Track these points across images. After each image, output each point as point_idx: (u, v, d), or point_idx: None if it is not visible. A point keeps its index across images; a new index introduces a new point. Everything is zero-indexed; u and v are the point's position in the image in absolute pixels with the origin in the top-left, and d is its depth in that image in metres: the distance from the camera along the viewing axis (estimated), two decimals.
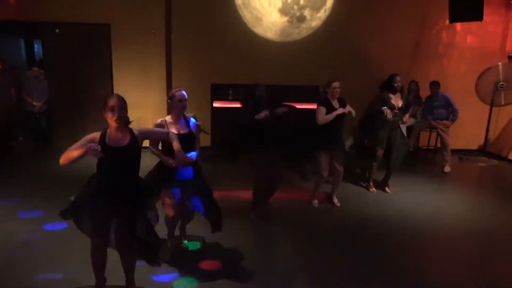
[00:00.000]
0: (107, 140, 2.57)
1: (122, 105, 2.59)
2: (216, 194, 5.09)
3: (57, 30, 7.29)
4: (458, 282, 3.20)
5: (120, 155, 2.56)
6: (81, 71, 7.42)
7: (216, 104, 7.76)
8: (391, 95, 5.04)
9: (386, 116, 4.89)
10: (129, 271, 2.85)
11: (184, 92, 3.26)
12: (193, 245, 3.67)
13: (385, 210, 4.71)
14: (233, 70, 7.58)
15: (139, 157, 2.67)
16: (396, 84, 5.02)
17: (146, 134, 2.82)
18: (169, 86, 7.57)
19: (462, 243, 3.94)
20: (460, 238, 4.02)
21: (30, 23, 7.44)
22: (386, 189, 5.44)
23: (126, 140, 2.60)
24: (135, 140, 2.62)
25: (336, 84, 4.65)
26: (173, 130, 3.15)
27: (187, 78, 7.62)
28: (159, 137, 3.13)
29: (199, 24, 7.44)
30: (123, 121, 2.57)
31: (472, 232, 4.14)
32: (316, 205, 4.74)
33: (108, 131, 2.61)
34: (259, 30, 7.56)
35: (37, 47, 10.58)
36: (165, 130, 3.11)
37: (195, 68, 7.59)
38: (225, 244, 3.73)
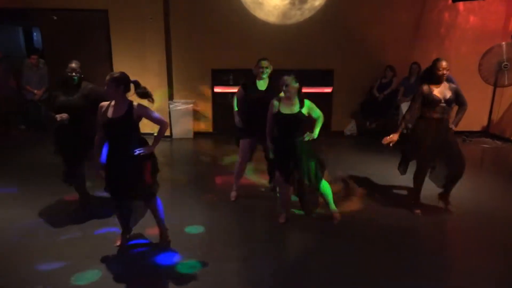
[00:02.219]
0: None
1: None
2: (218, 179, 5.15)
3: (54, 17, 7.23)
4: (455, 260, 3.23)
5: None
6: (80, 58, 7.30)
7: (217, 89, 7.72)
8: (433, 87, 3.91)
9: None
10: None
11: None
12: (196, 229, 3.70)
13: (387, 192, 4.72)
14: (234, 55, 7.52)
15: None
16: (441, 73, 3.86)
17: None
18: (169, 72, 7.53)
19: (463, 223, 3.96)
20: (462, 218, 4.04)
21: (27, 10, 7.37)
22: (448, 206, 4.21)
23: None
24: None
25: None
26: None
27: (187, 63, 7.58)
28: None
29: (198, 9, 7.35)
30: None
31: (475, 213, 4.15)
32: None
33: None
34: (260, 15, 7.47)
35: (36, 35, 10.51)
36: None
37: (195, 53, 7.53)
38: (228, 228, 3.76)
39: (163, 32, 7.28)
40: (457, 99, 3.96)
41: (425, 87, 3.91)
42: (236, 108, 4.35)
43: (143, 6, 7.11)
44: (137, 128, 3.11)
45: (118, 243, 3.34)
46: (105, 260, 3.11)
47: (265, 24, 7.51)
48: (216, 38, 7.48)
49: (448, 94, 3.88)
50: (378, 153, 6.56)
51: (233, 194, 4.45)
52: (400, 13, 7.58)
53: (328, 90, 7.80)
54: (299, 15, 7.52)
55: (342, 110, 7.91)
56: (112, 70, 7.46)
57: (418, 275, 3.00)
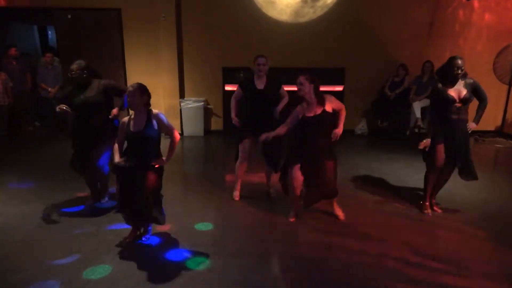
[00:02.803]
0: None
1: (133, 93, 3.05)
2: (228, 177, 5.17)
3: (69, 16, 7.34)
4: (468, 262, 3.20)
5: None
6: (93, 56, 7.45)
7: (228, 88, 7.75)
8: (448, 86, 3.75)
9: (424, 148, 3.85)
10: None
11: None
12: (205, 226, 3.74)
13: (398, 192, 4.68)
14: (245, 53, 7.52)
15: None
16: (456, 72, 3.65)
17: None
18: (180, 70, 7.59)
19: (476, 225, 3.91)
20: (475, 219, 3.99)
21: (42, 9, 7.50)
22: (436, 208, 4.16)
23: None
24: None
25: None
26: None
27: (198, 62, 7.62)
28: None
29: (210, 7, 7.39)
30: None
31: (488, 214, 4.10)
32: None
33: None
34: (273, 13, 7.47)
35: (51, 34, 10.69)
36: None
37: (206, 51, 7.57)
38: (237, 226, 3.79)
39: (175, 30, 7.34)
40: (476, 95, 3.79)
41: (440, 85, 3.80)
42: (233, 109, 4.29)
43: (156, 4, 7.17)
44: (159, 136, 3.21)
45: (128, 239, 3.40)
46: (116, 255, 3.16)
47: (277, 22, 7.51)
48: (227, 36, 7.51)
49: (463, 92, 3.69)
50: (389, 152, 6.53)
51: (236, 193, 4.41)
52: (413, 10, 7.50)
53: (339, 88, 7.76)
54: (311, 13, 7.50)
55: (353, 108, 7.86)
56: (124, 68, 7.57)
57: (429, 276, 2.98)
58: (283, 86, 4.19)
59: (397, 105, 7.38)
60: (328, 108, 3.54)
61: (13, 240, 3.40)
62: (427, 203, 4.10)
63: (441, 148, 3.82)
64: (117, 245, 3.31)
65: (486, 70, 7.06)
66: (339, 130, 3.65)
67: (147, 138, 3.09)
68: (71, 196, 4.39)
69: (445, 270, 3.04)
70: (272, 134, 3.69)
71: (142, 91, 3.06)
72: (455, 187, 4.78)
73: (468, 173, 3.89)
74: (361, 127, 7.96)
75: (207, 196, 4.52)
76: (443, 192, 4.23)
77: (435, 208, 4.12)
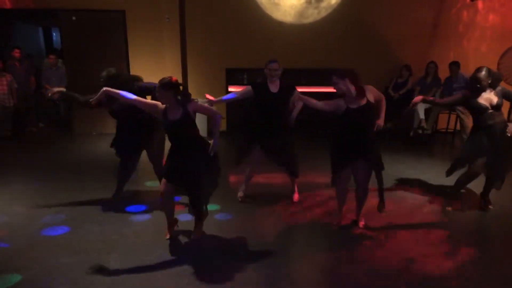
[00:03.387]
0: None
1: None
2: (232, 178, 5.17)
3: (73, 18, 7.37)
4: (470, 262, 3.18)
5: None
6: (98, 58, 7.51)
7: (231, 89, 7.75)
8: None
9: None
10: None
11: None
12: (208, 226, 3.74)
13: (402, 193, 4.67)
14: (248, 54, 7.55)
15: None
16: (478, 85, 3.78)
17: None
18: (184, 72, 7.60)
19: (480, 224, 3.90)
20: (477, 219, 3.98)
21: (47, 10, 7.54)
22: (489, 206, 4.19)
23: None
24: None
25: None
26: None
27: (202, 63, 7.64)
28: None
29: (213, 9, 7.41)
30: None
31: (490, 213, 4.09)
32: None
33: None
34: (277, 15, 7.49)
35: (55, 35, 10.76)
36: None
37: (209, 53, 7.59)
38: (241, 228, 3.79)
39: (178, 31, 7.35)
40: (509, 99, 3.95)
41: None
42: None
43: (160, 6, 7.20)
44: (195, 126, 3.33)
45: (168, 236, 3.46)
46: (121, 255, 3.17)
47: (280, 24, 7.52)
48: (231, 38, 7.53)
49: (495, 100, 3.79)
50: (392, 153, 6.50)
51: (240, 194, 4.37)
52: (417, 11, 7.49)
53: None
54: (316, 14, 7.52)
55: None
56: (128, 69, 7.60)
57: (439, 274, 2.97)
58: (297, 90, 3.97)
59: (401, 106, 7.36)
60: (371, 98, 3.48)
61: (17, 240, 3.42)
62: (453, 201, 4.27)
63: (476, 155, 3.94)
64: (122, 244, 3.32)
65: None
66: (381, 120, 3.64)
67: (184, 127, 3.19)
68: (75, 196, 4.40)
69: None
70: (307, 100, 3.46)
71: (166, 87, 3.10)
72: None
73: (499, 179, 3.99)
74: None
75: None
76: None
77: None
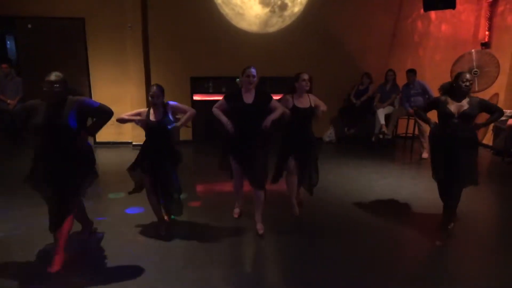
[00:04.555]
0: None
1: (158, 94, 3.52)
2: (199, 187, 5.12)
3: (29, 25, 7.09)
4: (433, 265, 3.31)
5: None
6: (56, 67, 7.06)
7: (196, 97, 7.71)
8: (452, 100, 3.66)
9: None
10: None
11: None
12: (176, 236, 3.67)
13: (365, 198, 4.80)
14: (213, 62, 7.55)
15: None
16: (464, 84, 3.57)
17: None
18: (147, 81, 7.48)
19: (436, 226, 4.07)
20: (436, 222, 4.14)
21: (1, 18, 7.21)
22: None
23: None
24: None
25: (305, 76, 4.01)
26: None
27: (165, 71, 7.54)
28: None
29: (176, 17, 7.36)
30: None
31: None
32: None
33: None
34: (243, 25, 7.56)
35: (10, 44, 10.27)
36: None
37: (173, 61, 7.51)
38: (212, 237, 3.75)
39: (141, 40, 7.25)
40: (487, 111, 3.75)
41: (443, 97, 3.74)
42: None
43: (121, 14, 7.06)
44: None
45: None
46: (116, 257, 3.04)
47: (245, 33, 7.58)
48: (195, 46, 7.50)
49: (464, 107, 3.58)
50: (356, 157, 6.70)
51: (236, 211, 4.13)
52: (376, 21, 7.79)
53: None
54: (280, 22, 7.65)
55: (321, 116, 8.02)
56: (89, 79, 7.38)
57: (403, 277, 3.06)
58: (273, 98, 3.76)
59: (362, 113, 7.60)
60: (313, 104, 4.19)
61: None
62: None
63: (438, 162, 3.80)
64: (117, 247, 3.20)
65: (445, 79, 7.26)
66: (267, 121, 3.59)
67: (165, 127, 3.54)
68: (35, 211, 4.19)
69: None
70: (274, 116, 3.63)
71: (163, 91, 3.57)
72: (418, 190, 4.93)
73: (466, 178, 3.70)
74: (329, 134, 8.13)
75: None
76: (407, 194, 4.33)
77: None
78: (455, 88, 3.63)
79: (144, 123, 3.54)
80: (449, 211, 3.83)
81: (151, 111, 3.58)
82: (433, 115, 3.85)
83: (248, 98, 3.65)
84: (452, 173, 3.67)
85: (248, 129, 3.63)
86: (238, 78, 3.78)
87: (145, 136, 3.65)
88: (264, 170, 3.73)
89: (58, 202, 3.00)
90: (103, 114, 3.24)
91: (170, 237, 3.63)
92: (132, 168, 3.64)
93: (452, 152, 3.63)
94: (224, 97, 3.76)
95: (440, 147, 3.75)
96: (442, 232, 3.78)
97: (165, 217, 3.86)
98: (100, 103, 3.25)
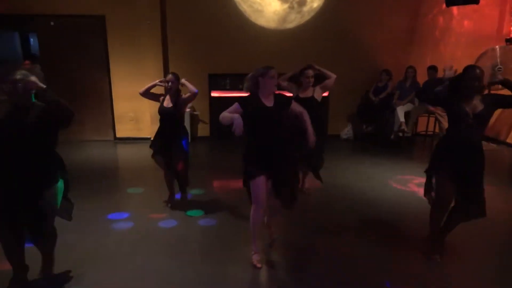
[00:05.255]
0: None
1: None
2: (216, 183, 5.16)
3: (52, 23, 7.24)
4: (449, 262, 3.25)
5: None
6: (77, 64, 7.39)
7: (214, 94, 7.75)
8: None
9: None
10: None
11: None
12: (193, 232, 3.71)
13: (382, 196, 4.74)
14: (230, 59, 7.56)
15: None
16: (472, 84, 2.94)
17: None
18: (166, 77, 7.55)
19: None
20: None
21: (24, 16, 7.39)
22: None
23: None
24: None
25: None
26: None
27: (184, 68, 7.55)
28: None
29: (194, 15, 7.40)
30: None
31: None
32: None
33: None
34: (261, 21, 7.55)
35: (33, 41, 10.52)
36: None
37: (191, 58, 7.56)
38: (228, 234, 3.77)
39: (160, 37, 7.32)
40: (504, 105, 3.10)
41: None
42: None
43: (140, 11, 7.14)
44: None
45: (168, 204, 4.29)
46: (101, 263, 3.11)
47: (262, 29, 7.57)
48: (213, 43, 7.52)
49: (479, 108, 2.95)
50: (373, 156, 6.62)
51: (256, 258, 3.14)
52: (396, 17, 7.66)
53: (325, 94, 7.83)
54: (299, 18, 7.61)
55: (338, 114, 7.96)
56: (109, 75, 7.49)
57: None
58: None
59: (381, 110, 7.50)
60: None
61: None
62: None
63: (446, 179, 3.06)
64: (102, 253, 3.26)
65: None
66: None
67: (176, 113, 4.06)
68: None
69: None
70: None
71: (178, 78, 4.11)
72: None
73: (476, 209, 3.06)
74: (347, 132, 8.05)
75: (195, 203, 4.49)
76: None
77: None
78: (462, 87, 2.99)
79: (165, 83, 4.10)
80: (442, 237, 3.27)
81: (167, 97, 4.08)
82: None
83: (269, 100, 3.05)
84: (461, 200, 3.09)
85: (272, 137, 3.01)
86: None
87: (160, 121, 4.16)
88: (297, 185, 3.25)
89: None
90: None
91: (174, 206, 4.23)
92: (153, 154, 4.16)
93: (463, 170, 3.00)
94: (239, 102, 2.99)
95: (448, 163, 3.03)
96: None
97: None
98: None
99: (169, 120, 4.08)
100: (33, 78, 2.56)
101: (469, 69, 3.01)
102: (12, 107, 2.54)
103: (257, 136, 3.02)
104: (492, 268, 3.23)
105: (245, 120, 2.87)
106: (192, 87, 4.07)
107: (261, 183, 2.97)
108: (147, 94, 4.17)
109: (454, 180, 3.02)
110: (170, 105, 4.06)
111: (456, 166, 3.01)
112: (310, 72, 4.40)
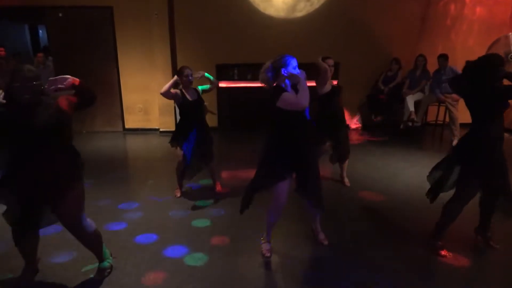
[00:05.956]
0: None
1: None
2: (224, 174, 5.18)
3: (60, 14, 7.27)
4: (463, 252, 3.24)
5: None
6: (86, 55, 7.43)
7: (222, 84, 7.73)
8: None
9: None
10: None
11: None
12: (202, 223, 3.74)
13: (392, 185, 4.72)
14: (238, 49, 7.53)
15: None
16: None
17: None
18: (174, 68, 7.55)
19: (467, 214, 3.96)
20: (466, 209, 4.03)
21: (33, 8, 7.42)
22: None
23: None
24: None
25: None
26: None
27: (191, 59, 7.58)
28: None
29: (202, 5, 7.36)
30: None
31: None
32: None
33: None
34: (271, 11, 7.47)
35: (42, 33, 10.58)
36: None
37: (199, 48, 7.55)
38: (234, 222, 3.80)
39: (167, 28, 7.30)
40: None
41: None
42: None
43: (148, 2, 7.12)
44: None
45: (178, 194, 4.33)
46: (113, 253, 3.15)
47: (270, 18, 7.50)
48: (221, 33, 7.49)
49: None
50: (383, 145, 6.58)
51: (266, 247, 3.14)
52: (406, 5, 7.53)
53: (333, 83, 7.77)
54: (309, 6, 7.51)
55: (347, 103, 7.88)
56: (117, 66, 7.52)
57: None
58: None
59: (390, 99, 7.42)
60: None
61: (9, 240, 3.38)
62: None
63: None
64: (114, 243, 3.31)
65: None
66: None
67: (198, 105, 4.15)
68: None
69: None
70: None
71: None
72: None
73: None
74: (356, 121, 8.00)
75: (203, 193, 4.52)
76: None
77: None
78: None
79: (183, 81, 4.09)
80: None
81: (184, 92, 4.08)
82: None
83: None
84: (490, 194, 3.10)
85: (304, 132, 2.88)
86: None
87: (180, 115, 4.26)
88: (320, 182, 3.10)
89: None
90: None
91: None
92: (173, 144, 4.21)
93: (494, 163, 2.95)
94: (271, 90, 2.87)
95: (483, 156, 2.93)
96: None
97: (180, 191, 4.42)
98: None
99: (197, 112, 4.17)
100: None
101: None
102: (17, 106, 2.38)
103: (288, 132, 2.84)
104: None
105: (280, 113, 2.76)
106: (214, 80, 4.30)
107: (287, 184, 2.89)
108: (169, 93, 3.97)
109: (485, 173, 2.96)
110: (195, 97, 4.12)
111: (490, 158, 2.94)
112: (331, 61, 4.37)
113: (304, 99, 2.72)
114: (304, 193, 2.98)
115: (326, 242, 3.31)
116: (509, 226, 3.52)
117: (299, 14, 7.54)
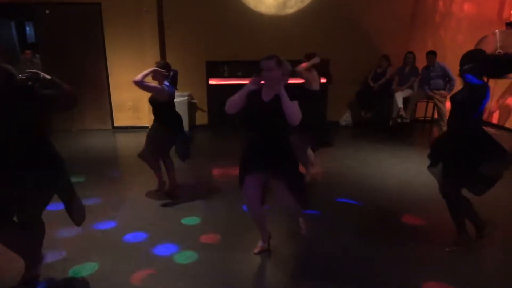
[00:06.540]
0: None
1: None
2: (215, 171, 5.17)
3: (47, 11, 7.16)
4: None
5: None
6: (74, 52, 7.34)
7: (212, 81, 7.70)
8: None
9: None
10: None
11: None
12: (192, 220, 3.73)
13: (382, 182, 4.76)
14: (228, 46, 7.50)
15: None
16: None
17: None
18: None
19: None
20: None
21: (20, 4, 7.30)
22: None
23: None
24: None
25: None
26: None
27: (181, 56, 7.54)
28: None
29: (192, 1, 7.31)
30: None
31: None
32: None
33: None
34: (261, 8, 7.45)
35: (29, 30, 10.41)
36: None
37: (189, 45, 7.50)
38: (224, 220, 3.79)
39: (157, 24, 7.24)
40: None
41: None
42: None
43: None
44: None
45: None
46: (103, 252, 3.13)
47: (261, 15, 7.48)
48: (211, 30, 7.45)
49: None
50: (373, 142, 6.62)
51: (260, 244, 3.18)
52: (395, 2, 7.57)
53: (323, 80, 7.78)
54: (299, 2, 7.51)
55: (337, 100, 7.92)
56: (106, 63, 7.44)
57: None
58: None
59: (380, 96, 7.47)
60: None
61: None
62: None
63: None
64: (104, 243, 3.29)
65: None
66: None
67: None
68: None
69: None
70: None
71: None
72: None
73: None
74: (346, 118, 8.04)
75: (193, 190, 4.51)
76: (426, 178, 4.29)
77: None
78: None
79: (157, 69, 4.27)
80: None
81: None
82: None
83: (267, 94, 2.96)
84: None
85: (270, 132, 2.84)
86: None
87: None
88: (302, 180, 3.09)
89: None
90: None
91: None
92: None
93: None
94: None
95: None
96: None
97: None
98: None
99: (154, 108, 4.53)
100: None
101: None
102: None
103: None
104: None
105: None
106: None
107: (254, 180, 2.88)
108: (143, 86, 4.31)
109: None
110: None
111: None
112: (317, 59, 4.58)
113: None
114: (285, 193, 2.85)
115: (304, 232, 3.26)
116: (509, 226, 3.58)
117: (290, 10, 7.53)
